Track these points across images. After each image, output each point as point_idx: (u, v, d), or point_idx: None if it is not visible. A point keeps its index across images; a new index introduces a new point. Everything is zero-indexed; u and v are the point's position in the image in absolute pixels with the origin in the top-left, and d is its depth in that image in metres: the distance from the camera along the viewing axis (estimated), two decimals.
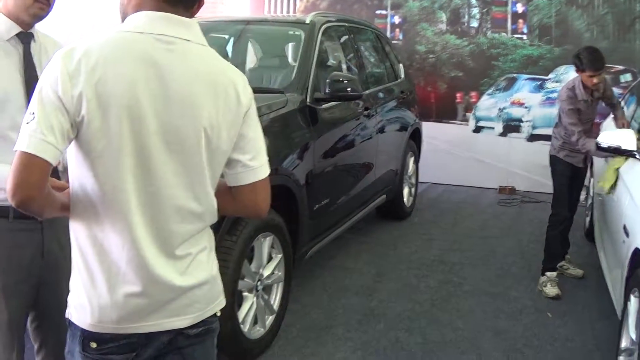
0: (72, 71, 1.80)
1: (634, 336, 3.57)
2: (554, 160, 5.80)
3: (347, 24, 6.82)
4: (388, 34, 9.92)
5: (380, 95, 7.03)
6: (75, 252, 1.99)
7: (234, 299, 4.07)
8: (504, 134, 9.74)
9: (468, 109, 9.95)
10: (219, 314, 2.20)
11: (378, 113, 6.67)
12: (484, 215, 8.33)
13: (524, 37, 9.55)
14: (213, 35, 6.38)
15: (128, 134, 1.85)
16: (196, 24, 2.04)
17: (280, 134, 4.74)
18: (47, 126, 1.78)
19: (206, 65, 2.00)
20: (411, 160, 8.11)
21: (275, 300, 4.65)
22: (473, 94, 9.88)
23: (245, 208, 2.20)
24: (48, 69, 1.85)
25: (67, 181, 1.99)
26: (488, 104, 9.79)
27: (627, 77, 8.89)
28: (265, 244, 4.43)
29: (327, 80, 5.20)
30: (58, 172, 2.61)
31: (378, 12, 10.25)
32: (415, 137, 8.24)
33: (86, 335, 1.99)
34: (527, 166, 9.43)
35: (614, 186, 4.89)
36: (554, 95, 8.93)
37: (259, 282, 4.39)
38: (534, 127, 9.53)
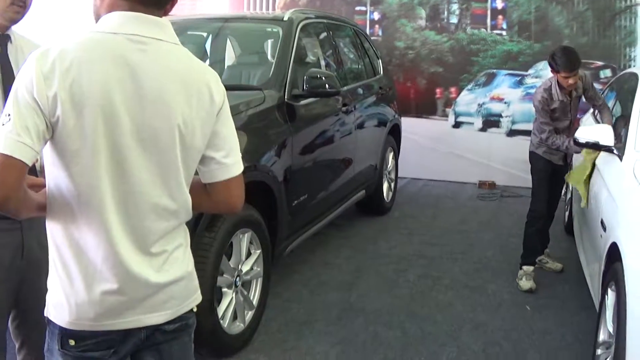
0: (46, 72, 1.82)
1: (611, 329, 3.60)
2: (533, 156, 5.81)
3: (325, 21, 6.83)
4: (367, 30, 9.91)
5: (359, 91, 7.06)
6: (53, 251, 2.01)
7: (213, 295, 4.08)
8: (483, 129, 9.79)
9: (447, 104, 9.99)
10: (195, 310, 2.23)
11: (357, 109, 6.70)
12: (463, 210, 8.37)
13: (504, 33, 9.59)
14: (191, 33, 6.39)
15: (102, 134, 1.87)
16: (169, 23, 2.04)
17: (258, 130, 4.75)
18: (22, 127, 1.79)
19: (179, 64, 2.02)
20: (390, 156, 8.15)
21: (255, 295, 4.66)
22: (452, 89, 9.92)
23: (220, 204, 2.22)
24: (23, 70, 1.86)
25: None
26: (467, 100, 9.84)
27: (606, 73, 8.96)
28: (244, 240, 4.44)
29: (305, 77, 5.22)
30: (36, 172, 2.61)
31: (358, 8, 10.27)
32: (395, 132, 8.28)
33: (64, 333, 2.01)
34: (507, 161, 9.47)
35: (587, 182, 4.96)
36: (534, 90, 8.97)
37: (238, 278, 4.40)
38: (513, 123, 9.58)
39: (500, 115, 9.65)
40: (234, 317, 4.42)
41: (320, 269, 6.08)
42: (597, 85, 7.22)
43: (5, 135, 1.80)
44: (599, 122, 5.72)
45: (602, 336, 3.82)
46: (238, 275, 4.41)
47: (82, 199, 1.91)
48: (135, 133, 1.91)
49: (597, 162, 4.99)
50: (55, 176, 1.93)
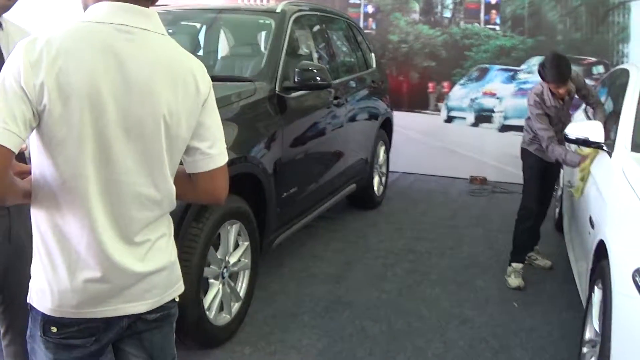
0: (33, 61, 1.83)
1: (597, 327, 3.60)
2: (524, 153, 5.78)
3: (318, 13, 6.83)
4: (361, 24, 9.93)
5: (351, 84, 7.05)
6: (37, 238, 2.02)
7: (199, 285, 4.07)
8: (475, 124, 9.78)
9: (440, 98, 9.98)
10: (177, 300, 2.25)
11: (348, 102, 6.69)
12: (454, 205, 8.38)
13: (497, 27, 9.57)
14: (184, 24, 6.38)
15: (88, 122, 1.88)
16: (155, 13, 2.06)
17: (249, 122, 4.74)
18: (10, 115, 1.80)
19: (165, 54, 2.03)
20: (382, 150, 8.14)
21: (242, 287, 4.66)
22: (445, 84, 9.90)
23: (204, 195, 2.24)
24: (11, 59, 1.87)
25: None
26: (460, 94, 9.83)
27: (599, 69, 8.95)
28: (231, 231, 4.43)
29: (296, 69, 5.19)
30: (25, 159, 2.61)
31: (352, 1, 10.24)
32: (386, 126, 8.27)
33: (47, 320, 2.03)
34: (499, 157, 9.47)
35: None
36: (526, 86, 9.00)
37: (225, 269, 4.39)
38: (505, 118, 9.57)
39: (492, 111, 9.63)
40: (220, 308, 4.42)
41: (309, 262, 6.08)
42: (589, 82, 7.23)
43: None
44: (590, 119, 5.69)
45: (588, 334, 3.82)
46: (225, 267, 4.40)
47: (66, 187, 1.92)
48: (121, 122, 1.93)
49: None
50: (40, 164, 1.94)
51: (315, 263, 6.06)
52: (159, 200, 2.07)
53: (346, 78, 6.98)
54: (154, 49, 2.00)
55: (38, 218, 2.00)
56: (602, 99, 6.01)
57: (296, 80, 5.19)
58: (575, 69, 5.59)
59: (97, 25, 1.94)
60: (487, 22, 9.60)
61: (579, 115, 6.52)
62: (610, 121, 5.06)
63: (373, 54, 8.16)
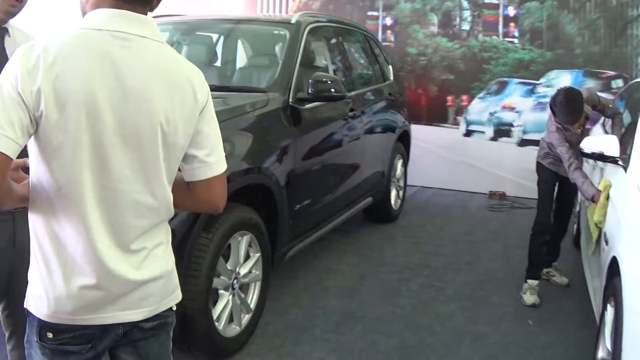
0: (30, 68, 1.85)
1: (609, 346, 3.53)
2: (539, 167, 5.73)
3: (334, 25, 6.81)
4: (379, 36, 9.91)
5: (368, 96, 7.01)
6: (34, 244, 2.04)
7: (208, 296, 4.05)
8: (494, 138, 9.71)
9: (459, 112, 9.92)
10: (174, 309, 2.26)
11: (365, 114, 6.65)
12: (472, 220, 8.31)
13: (515, 40, 9.51)
14: (200, 34, 6.38)
15: (85, 129, 1.89)
16: (153, 21, 2.07)
17: (262, 133, 4.72)
18: (7, 121, 1.82)
19: (162, 61, 2.04)
20: (399, 163, 8.09)
21: (252, 299, 4.62)
22: (464, 97, 9.84)
23: (202, 203, 2.25)
24: (8, 65, 1.89)
25: None
26: (479, 108, 9.77)
27: (618, 83, 8.83)
28: (242, 242, 4.41)
29: (310, 81, 5.16)
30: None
31: (370, 13, 10.23)
32: (404, 139, 8.23)
33: (43, 325, 2.05)
34: (518, 171, 9.37)
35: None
36: (545, 100, 8.88)
37: (235, 281, 4.36)
38: (524, 132, 9.50)
39: (511, 125, 9.55)
40: (230, 319, 4.39)
41: (323, 275, 6.04)
42: (608, 96, 7.15)
43: None
44: (607, 133, 5.62)
45: (600, 353, 3.74)
46: (235, 278, 4.37)
47: (62, 193, 1.93)
48: (117, 129, 1.93)
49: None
50: (37, 170, 1.96)
51: (328, 276, 6.02)
52: (156, 208, 2.07)
53: (362, 90, 6.95)
54: (151, 56, 2.01)
55: (35, 224, 2.02)
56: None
57: (310, 91, 5.16)
58: (587, 86, 5.50)
59: (94, 32, 1.95)
60: (505, 34, 9.53)
61: (597, 130, 6.44)
62: (627, 135, 4.98)
63: (391, 67, 8.12)
